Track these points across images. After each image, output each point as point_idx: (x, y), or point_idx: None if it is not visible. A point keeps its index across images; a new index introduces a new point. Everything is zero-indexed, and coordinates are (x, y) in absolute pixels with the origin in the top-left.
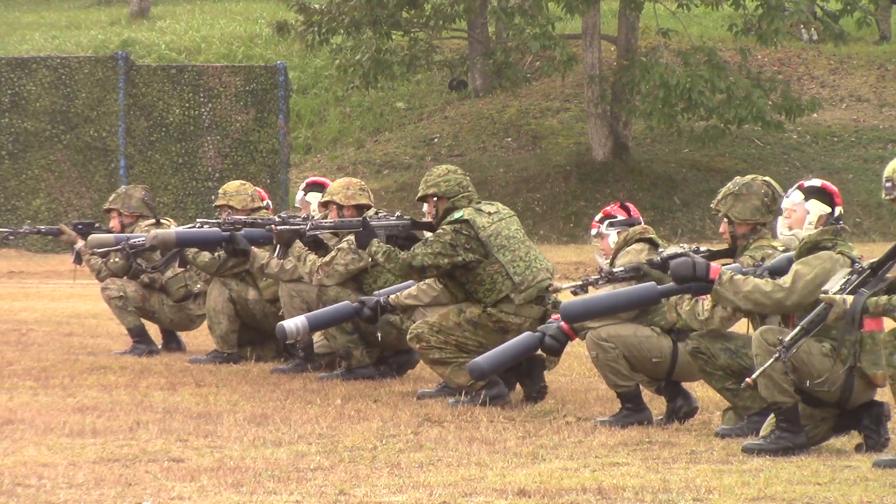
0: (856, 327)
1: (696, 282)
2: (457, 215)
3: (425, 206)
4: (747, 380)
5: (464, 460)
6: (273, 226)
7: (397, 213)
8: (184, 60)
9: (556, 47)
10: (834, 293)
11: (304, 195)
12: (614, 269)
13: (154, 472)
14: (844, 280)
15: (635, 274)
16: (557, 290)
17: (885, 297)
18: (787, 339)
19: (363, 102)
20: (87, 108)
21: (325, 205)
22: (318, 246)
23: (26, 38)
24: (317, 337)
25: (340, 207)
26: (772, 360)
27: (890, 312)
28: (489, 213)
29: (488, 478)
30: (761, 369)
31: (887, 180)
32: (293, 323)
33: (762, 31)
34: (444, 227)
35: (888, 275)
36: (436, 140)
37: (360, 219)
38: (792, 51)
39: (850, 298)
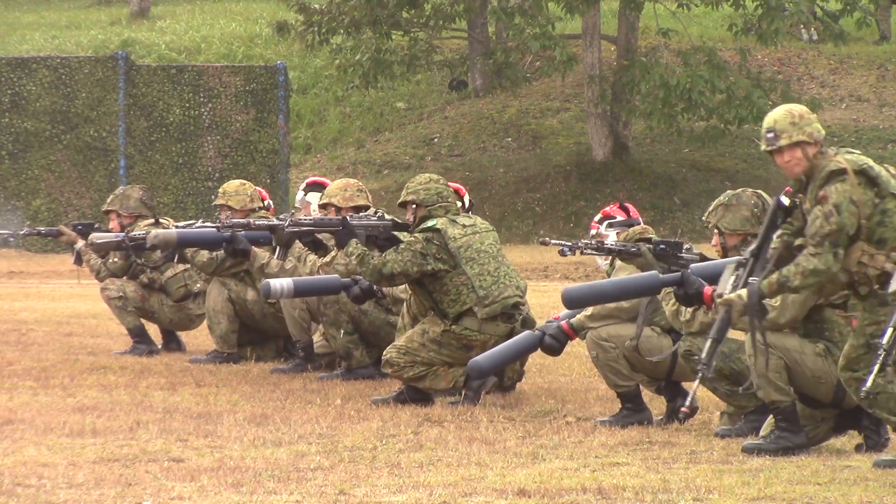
0: (762, 317)
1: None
2: (430, 224)
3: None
4: (682, 408)
5: (464, 460)
6: (251, 221)
7: (378, 213)
8: (184, 60)
9: (556, 47)
10: (728, 293)
11: (305, 195)
12: (605, 241)
13: (154, 472)
14: (734, 277)
15: (624, 249)
16: (546, 244)
17: (775, 275)
18: (704, 355)
19: (363, 102)
20: (87, 108)
21: (324, 206)
22: (317, 246)
23: (26, 38)
24: (317, 337)
25: (339, 209)
26: (698, 380)
27: (785, 285)
28: (463, 226)
29: (488, 478)
30: (693, 391)
31: (769, 130)
32: (280, 283)
33: (762, 31)
34: (415, 234)
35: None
36: (436, 140)
37: (340, 217)
38: (792, 51)
39: (744, 292)
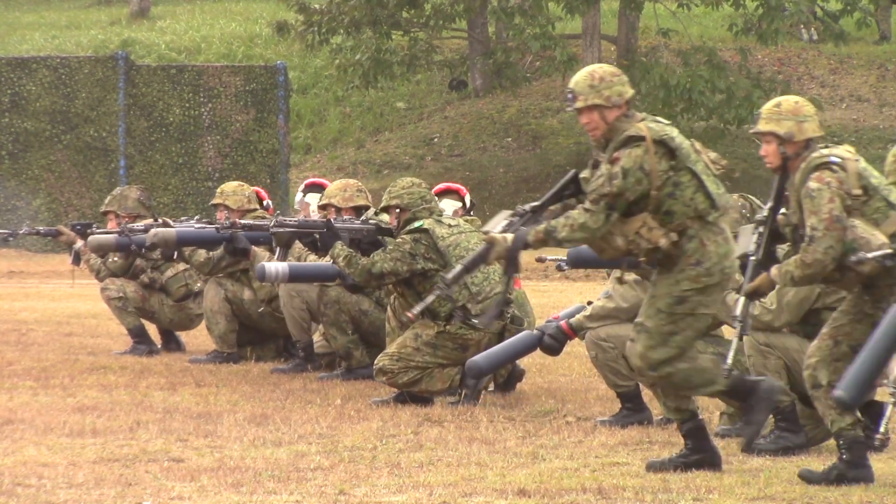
0: (516, 266)
1: None
2: (416, 224)
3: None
4: (408, 313)
5: (464, 460)
6: (235, 221)
7: (362, 217)
8: (184, 60)
9: (556, 47)
10: (496, 233)
11: (304, 196)
12: None
13: (154, 472)
14: (507, 222)
15: None
16: (542, 261)
17: (543, 224)
18: (450, 276)
19: (363, 102)
20: (87, 108)
21: (323, 207)
22: (317, 247)
23: (26, 38)
24: (317, 337)
25: (339, 210)
26: (433, 295)
27: (551, 234)
28: (449, 226)
29: (488, 478)
30: (424, 303)
31: (569, 91)
32: (275, 266)
33: (762, 31)
34: (403, 235)
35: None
36: (436, 140)
37: (325, 220)
38: (792, 51)
39: (510, 236)
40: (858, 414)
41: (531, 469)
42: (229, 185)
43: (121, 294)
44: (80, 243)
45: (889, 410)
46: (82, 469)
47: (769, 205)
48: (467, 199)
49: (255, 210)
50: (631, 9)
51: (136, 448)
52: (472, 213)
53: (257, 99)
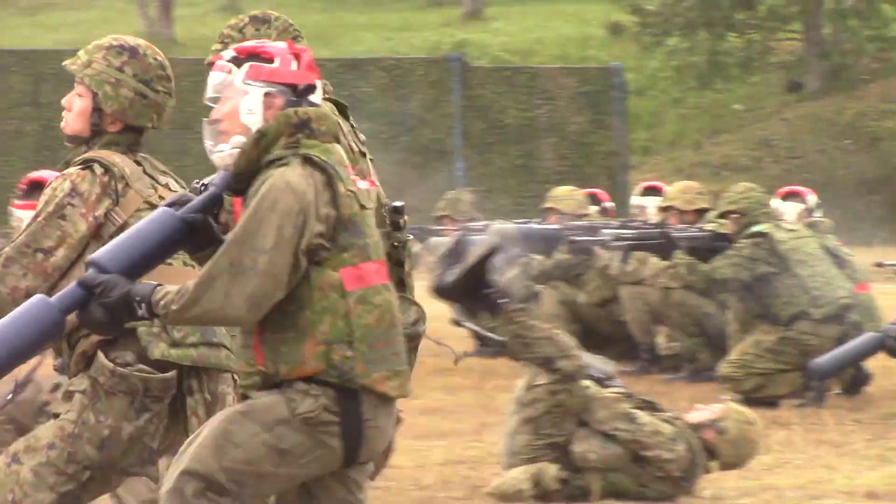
0: None
1: None
2: (755, 229)
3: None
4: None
5: (812, 463)
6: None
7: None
8: (518, 62)
9: (892, 49)
10: None
11: (641, 198)
12: None
13: None
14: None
15: None
16: (881, 266)
17: None
18: None
19: (700, 104)
20: (422, 109)
21: (665, 209)
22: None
23: (359, 40)
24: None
25: (681, 212)
26: None
27: None
28: (788, 230)
29: (836, 480)
30: None
31: None
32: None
33: None
34: (742, 240)
35: None
36: (774, 142)
37: (661, 230)
38: None
39: None
40: None
41: (880, 472)
42: (561, 190)
43: None
44: None
45: None
46: None
47: None
48: (810, 200)
49: (587, 215)
50: None
51: None
52: (816, 214)
53: (592, 101)
